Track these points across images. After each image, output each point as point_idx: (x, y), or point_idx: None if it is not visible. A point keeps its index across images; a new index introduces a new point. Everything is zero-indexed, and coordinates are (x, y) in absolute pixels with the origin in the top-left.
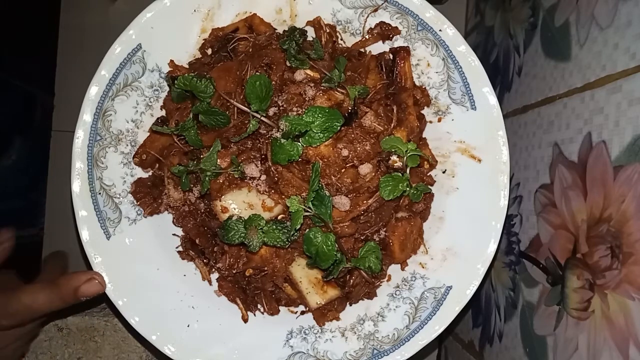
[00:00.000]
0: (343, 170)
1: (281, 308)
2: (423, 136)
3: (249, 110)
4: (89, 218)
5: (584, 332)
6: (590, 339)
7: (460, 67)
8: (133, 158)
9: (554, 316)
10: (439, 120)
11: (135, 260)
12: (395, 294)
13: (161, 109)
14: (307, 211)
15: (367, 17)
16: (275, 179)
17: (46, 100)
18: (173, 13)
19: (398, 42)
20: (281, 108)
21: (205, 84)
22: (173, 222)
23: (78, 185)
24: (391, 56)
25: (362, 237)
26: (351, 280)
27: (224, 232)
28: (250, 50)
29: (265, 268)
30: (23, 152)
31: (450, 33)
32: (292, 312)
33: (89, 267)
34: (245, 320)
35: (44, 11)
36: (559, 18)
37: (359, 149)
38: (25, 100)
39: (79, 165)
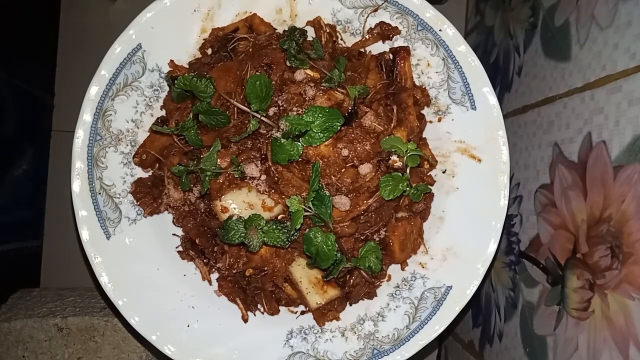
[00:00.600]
0: (343, 170)
1: (281, 308)
2: (423, 136)
3: (249, 110)
4: (89, 218)
5: (584, 332)
6: (590, 339)
7: (460, 67)
8: (133, 158)
9: (554, 316)
10: (439, 120)
11: (135, 260)
12: (395, 294)
13: (161, 109)
14: (307, 211)
15: (367, 17)
16: (275, 178)
17: (46, 100)
18: (173, 13)
19: (398, 42)
20: (281, 108)
21: (205, 84)
22: (173, 222)
23: (78, 185)
24: (391, 56)
25: (362, 237)
26: (351, 280)
27: (224, 232)
28: (250, 50)
29: (265, 268)
30: (32, 159)
31: (450, 33)
32: (292, 312)
33: (89, 267)
34: (245, 320)
35: (44, 11)
36: (559, 18)
37: (359, 148)
38: (28, 103)
39: (79, 165)
